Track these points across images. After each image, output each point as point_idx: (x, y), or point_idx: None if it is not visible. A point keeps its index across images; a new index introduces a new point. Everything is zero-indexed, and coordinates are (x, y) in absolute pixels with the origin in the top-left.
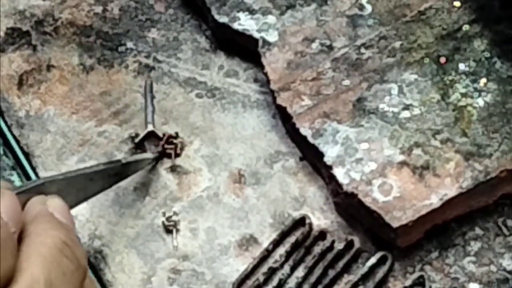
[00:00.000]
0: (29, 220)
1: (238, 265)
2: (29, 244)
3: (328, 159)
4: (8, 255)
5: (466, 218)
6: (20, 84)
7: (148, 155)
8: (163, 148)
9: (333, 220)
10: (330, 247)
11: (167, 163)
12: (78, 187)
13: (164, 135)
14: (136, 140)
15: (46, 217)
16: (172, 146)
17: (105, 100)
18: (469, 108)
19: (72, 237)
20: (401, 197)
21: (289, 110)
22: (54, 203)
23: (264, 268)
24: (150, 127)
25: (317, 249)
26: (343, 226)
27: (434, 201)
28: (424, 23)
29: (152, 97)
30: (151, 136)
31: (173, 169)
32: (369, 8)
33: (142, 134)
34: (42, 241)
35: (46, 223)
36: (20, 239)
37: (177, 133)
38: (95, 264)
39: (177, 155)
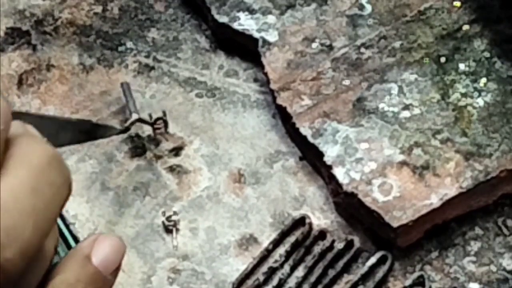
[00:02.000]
0: (17, 133)
1: (238, 265)
2: (18, 151)
3: (328, 159)
4: None
5: (466, 218)
6: (20, 83)
7: (117, 126)
8: (153, 129)
9: (333, 220)
10: (330, 247)
11: (167, 162)
12: (50, 131)
13: (151, 117)
14: (124, 126)
15: (34, 134)
16: (161, 126)
17: (105, 100)
18: (469, 108)
19: (59, 154)
20: (401, 197)
21: (289, 109)
22: (33, 129)
23: (264, 268)
24: (135, 116)
25: (317, 249)
26: (343, 226)
27: (434, 201)
28: (424, 23)
29: (130, 94)
30: (139, 121)
31: (173, 169)
32: (369, 8)
33: (128, 122)
34: (31, 150)
35: (35, 137)
36: (7, 148)
37: (164, 112)
38: None
39: (167, 135)
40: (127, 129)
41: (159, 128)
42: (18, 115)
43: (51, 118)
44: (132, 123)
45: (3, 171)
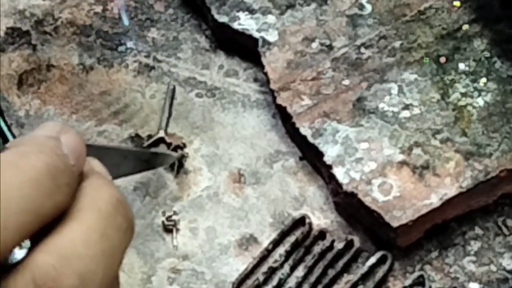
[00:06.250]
0: (85, 171)
1: (238, 265)
2: (85, 195)
3: (328, 158)
4: (64, 188)
5: (466, 218)
6: (20, 83)
7: (173, 153)
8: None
9: (333, 220)
10: (330, 247)
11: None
12: (114, 162)
13: (171, 144)
14: (145, 144)
15: (99, 173)
16: (177, 155)
17: (105, 100)
18: (469, 107)
19: (124, 197)
20: (401, 197)
21: (289, 109)
22: (99, 165)
23: (264, 268)
24: (161, 133)
25: (317, 249)
26: (343, 226)
27: (434, 200)
28: (424, 22)
29: (171, 104)
30: (160, 141)
31: (173, 168)
32: (369, 7)
33: (152, 138)
34: (98, 195)
35: (101, 179)
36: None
37: (184, 144)
38: None
39: (181, 166)
40: (181, 159)
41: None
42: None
43: (112, 149)
44: (153, 143)
45: (71, 215)
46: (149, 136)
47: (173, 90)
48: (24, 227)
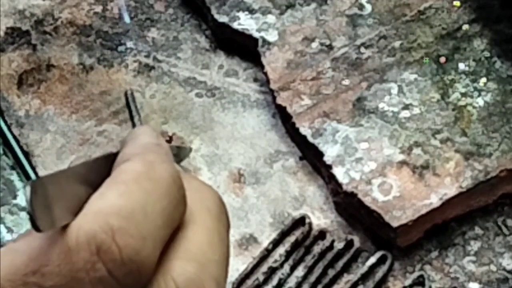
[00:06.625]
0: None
1: (238, 265)
2: (190, 197)
3: (328, 158)
4: (184, 197)
5: (466, 218)
6: (20, 83)
7: (187, 146)
8: None
9: (333, 220)
10: (330, 247)
11: None
12: None
13: None
14: None
15: (187, 173)
16: None
17: (105, 100)
18: (469, 107)
19: (220, 195)
20: (401, 197)
21: (289, 109)
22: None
23: (264, 268)
24: None
25: (317, 249)
26: (343, 226)
27: (434, 200)
28: (424, 22)
29: (136, 106)
30: None
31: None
32: (369, 7)
33: None
34: (203, 196)
35: (195, 179)
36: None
37: (170, 137)
38: None
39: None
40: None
41: None
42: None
43: None
44: None
45: (188, 218)
46: None
47: (132, 94)
48: (164, 240)
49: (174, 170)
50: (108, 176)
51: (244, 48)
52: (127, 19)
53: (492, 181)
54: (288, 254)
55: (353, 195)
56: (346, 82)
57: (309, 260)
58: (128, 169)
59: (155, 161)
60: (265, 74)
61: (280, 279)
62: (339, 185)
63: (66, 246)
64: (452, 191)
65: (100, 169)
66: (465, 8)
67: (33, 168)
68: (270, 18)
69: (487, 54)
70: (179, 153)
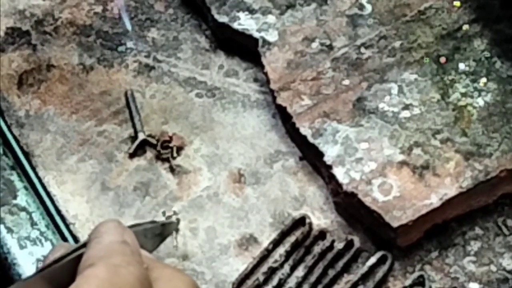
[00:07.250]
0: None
1: (238, 265)
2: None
3: (328, 158)
4: None
5: (466, 218)
6: (20, 83)
7: (173, 220)
8: (159, 153)
9: (333, 220)
10: (330, 247)
11: (167, 163)
12: (140, 243)
13: (158, 140)
14: (130, 151)
15: (158, 262)
16: (168, 151)
17: (105, 100)
18: (469, 107)
19: (192, 279)
20: (401, 197)
21: (289, 109)
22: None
23: (264, 268)
24: (141, 136)
25: (317, 249)
26: (343, 226)
27: (434, 200)
28: (424, 22)
29: (136, 106)
30: (145, 144)
31: (173, 169)
32: (369, 7)
33: (134, 144)
34: (178, 286)
35: (166, 267)
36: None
37: (170, 137)
38: None
39: (174, 158)
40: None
41: (166, 153)
42: None
43: (136, 231)
44: (138, 147)
45: None
46: (150, 136)
47: (132, 94)
48: None
49: (140, 272)
50: (73, 280)
51: (244, 48)
52: (128, 26)
53: (492, 181)
54: (288, 254)
55: (353, 195)
56: (346, 82)
57: (309, 260)
58: (91, 275)
59: (120, 265)
60: (265, 74)
61: (280, 279)
62: (339, 185)
63: None
64: (452, 191)
65: (68, 272)
66: (465, 8)
67: (33, 168)
68: (270, 18)
69: (487, 54)
70: (164, 231)
